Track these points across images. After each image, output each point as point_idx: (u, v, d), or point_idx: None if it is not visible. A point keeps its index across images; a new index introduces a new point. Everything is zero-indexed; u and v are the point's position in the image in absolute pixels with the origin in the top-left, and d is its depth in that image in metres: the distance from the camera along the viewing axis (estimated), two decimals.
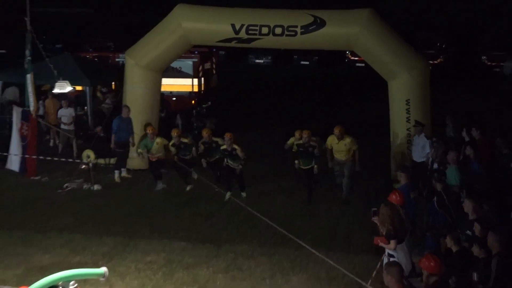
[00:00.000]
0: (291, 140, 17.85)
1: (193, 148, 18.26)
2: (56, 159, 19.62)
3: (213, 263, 13.29)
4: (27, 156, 18.88)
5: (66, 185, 18.47)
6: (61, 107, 22.15)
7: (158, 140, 18.07)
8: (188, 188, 18.00)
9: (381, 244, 11.28)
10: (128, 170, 19.59)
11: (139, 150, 18.29)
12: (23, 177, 18.88)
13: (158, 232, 15.03)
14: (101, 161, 19.59)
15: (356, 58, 47.71)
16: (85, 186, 18.41)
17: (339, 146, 16.71)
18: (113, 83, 25.34)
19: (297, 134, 17.49)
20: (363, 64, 37.60)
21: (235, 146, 16.70)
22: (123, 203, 16.91)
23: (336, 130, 16.69)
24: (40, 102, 21.67)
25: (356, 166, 17.02)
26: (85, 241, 14.40)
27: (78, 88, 23.39)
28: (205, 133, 18.09)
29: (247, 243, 14.46)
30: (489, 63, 51.33)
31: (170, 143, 17.99)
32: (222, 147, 17.07)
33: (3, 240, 14.27)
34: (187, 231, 14.95)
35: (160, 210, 16.52)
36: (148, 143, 18.02)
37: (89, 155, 19.22)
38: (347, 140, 16.65)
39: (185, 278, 12.63)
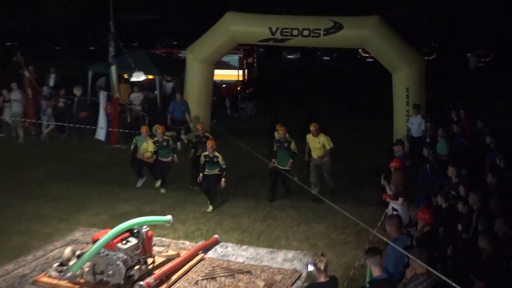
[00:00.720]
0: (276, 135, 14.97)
1: (174, 155, 15.07)
2: (132, 131, 19.80)
3: (253, 213, 13.44)
4: (110, 129, 19.08)
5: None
6: (132, 91, 22.41)
7: (149, 141, 14.77)
8: (157, 184, 14.93)
9: (389, 200, 11.31)
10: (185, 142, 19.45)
11: (132, 146, 15.17)
12: (108, 145, 19.05)
13: None
14: (168, 133, 19.67)
15: (366, 55, 47.01)
16: None
17: (314, 142, 14.12)
18: (177, 73, 25.37)
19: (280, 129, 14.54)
20: (372, 59, 37.14)
21: (217, 154, 13.73)
22: (184, 165, 17.05)
23: (312, 127, 14.15)
24: None
25: (328, 160, 14.16)
26: (155, 194, 14.66)
27: (150, 77, 23.53)
28: (199, 127, 15.41)
29: (280, 199, 14.54)
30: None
31: (153, 140, 14.82)
32: (204, 153, 13.89)
33: (93, 193, 14.63)
34: (233, 188, 14.90)
35: None
36: (140, 141, 14.97)
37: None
38: (322, 138, 14.02)
39: (231, 224, 12.81)
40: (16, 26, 59.86)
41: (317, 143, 14.02)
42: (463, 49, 51.18)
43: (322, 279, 7.05)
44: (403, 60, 17.82)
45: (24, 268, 10.60)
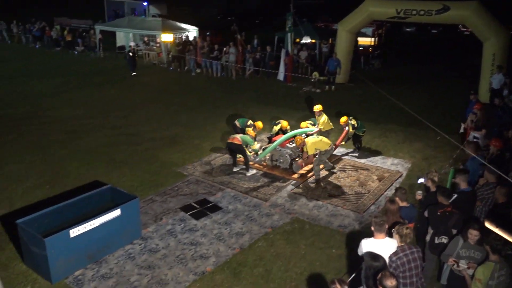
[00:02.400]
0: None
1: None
2: (300, 75, 19.68)
3: (373, 132, 12.74)
4: (287, 73, 19.11)
5: (303, 88, 18.41)
6: (300, 50, 22.07)
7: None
8: (234, 169, 9.99)
9: (472, 131, 10.38)
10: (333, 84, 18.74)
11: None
12: (284, 83, 19.08)
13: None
14: (322, 78, 19.30)
15: (464, 29, 41.98)
16: (313, 89, 18.26)
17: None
18: (330, 39, 24.57)
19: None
20: (468, 32, 33.09)
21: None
22: (330, 98, 16.65)
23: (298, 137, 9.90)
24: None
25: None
26: (299, 114, 13.45)
27: (313, 41, 23.09)
28: (284, 124, 10.97)
29: (391, 123, 13.74)
30: None
31: (255, 146, 10.19)
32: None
33: (273, 110, 14.58)
34: (360, 114, 13.74)
35: (345, 102, 16.01)
36: (249, 140, 9.94)
37: (316, 74, 19.03)
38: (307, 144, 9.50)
39: None
40: (234, 8, 61.79)
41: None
42: None
43: (433, 188, 6.47)
44: (493, 33, 15.70)
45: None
